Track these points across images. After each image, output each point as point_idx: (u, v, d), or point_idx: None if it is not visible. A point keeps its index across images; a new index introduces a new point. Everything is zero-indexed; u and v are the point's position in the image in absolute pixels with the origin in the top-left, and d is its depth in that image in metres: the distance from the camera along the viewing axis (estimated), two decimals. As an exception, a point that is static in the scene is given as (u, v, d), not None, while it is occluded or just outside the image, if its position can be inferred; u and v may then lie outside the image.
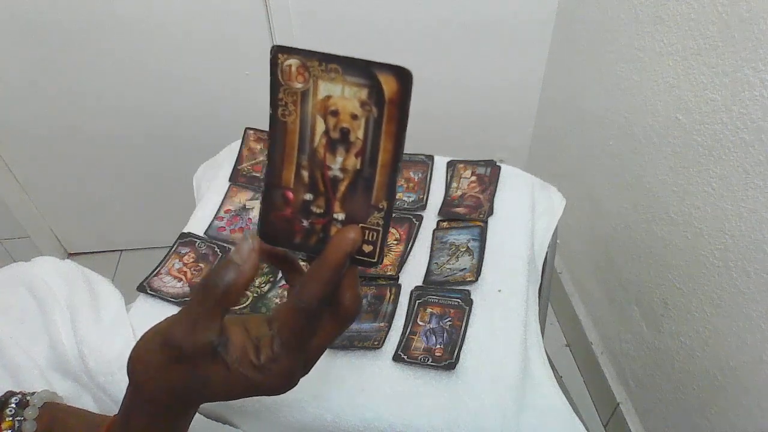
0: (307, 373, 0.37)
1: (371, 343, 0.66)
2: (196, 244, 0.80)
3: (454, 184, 0.88)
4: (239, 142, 0.92)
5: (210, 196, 0.87)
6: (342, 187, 0.33)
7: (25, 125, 1.39)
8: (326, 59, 0.31)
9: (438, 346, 0.66)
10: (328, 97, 0.31)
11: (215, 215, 0.84)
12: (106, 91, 1.34)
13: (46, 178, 1.52)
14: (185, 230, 0.82)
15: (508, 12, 1.29)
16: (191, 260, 0.78)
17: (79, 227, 1.68)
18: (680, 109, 0.92)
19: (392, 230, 0.82)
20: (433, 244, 0.79)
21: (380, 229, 0.34)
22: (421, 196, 0.86)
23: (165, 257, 0.78)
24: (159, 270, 0.76)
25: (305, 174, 0.33)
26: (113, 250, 1.76)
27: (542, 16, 1.31)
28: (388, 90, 0.30)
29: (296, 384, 0.36)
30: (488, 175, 0.88)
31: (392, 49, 1.32)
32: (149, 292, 0.73)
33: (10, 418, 0.46)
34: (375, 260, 0.34)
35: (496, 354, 0.66)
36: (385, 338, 0.67)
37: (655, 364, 1.09)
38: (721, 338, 0.89)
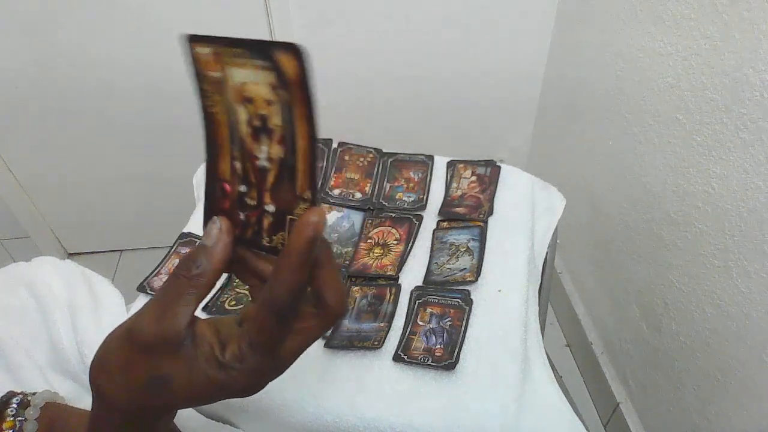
0: (279, 374, 0.34)
1: (371, 343, 0.66)
2: (196, 244, 0.80)
3: (454, 184, 0.88)
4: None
5: (210, 196, 0.87)
6: (270, 178, 0.31)
7: (26, 125, 1.39)
8: (232, 44, 0.29)
9: (438, 346, 0.66)
10: (242, 84, 0.30)
11: (215, 215, 0.84)
12: (106, 91, 1.34)
13: (46, 178, 1.52)
14: (185, 230, 0.82)
15: (508, 12, 1.29)
16: (191, 260, 0.78)
17: (79, 227, 1.68)
18: (680, 109, 0.92)
19: (392, 230, 0.82)
20: (433, 244, 0.79)
21: None
22: (421, 196, 0.86)
23: (165, 257, 0.78)
24: (159, 270, 0.76)
25: (238, 165, 0.32)
26: (113, 250, 1.76)
27: (542, 16, 1.31)
28: (290, 71, 0.28)
29: (264, 386, 0.34)
30: (488, 175, 0.88)
31: (392, 49, 1.32)
32: (149, 292, 0.73)
33: (11, 418, 0.46)
34: None
35: (496, 354, 0.66)
36: (385, 338, 0.67)
37: (655, 364, 1.09)
38: (721, 338, 0.89)
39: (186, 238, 0.80)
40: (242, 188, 0.32)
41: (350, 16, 1.25)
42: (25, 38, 1.23)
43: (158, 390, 0.32)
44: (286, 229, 0.32)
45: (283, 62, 0.28)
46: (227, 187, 0.33)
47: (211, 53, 0.30)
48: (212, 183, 0.33)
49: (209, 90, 0.31)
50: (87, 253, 1.75)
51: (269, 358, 0.32)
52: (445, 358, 0.64)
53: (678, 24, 0.90)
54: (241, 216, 0.33)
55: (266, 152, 0.31)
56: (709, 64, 0.84)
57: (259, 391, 0.33)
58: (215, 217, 0.33)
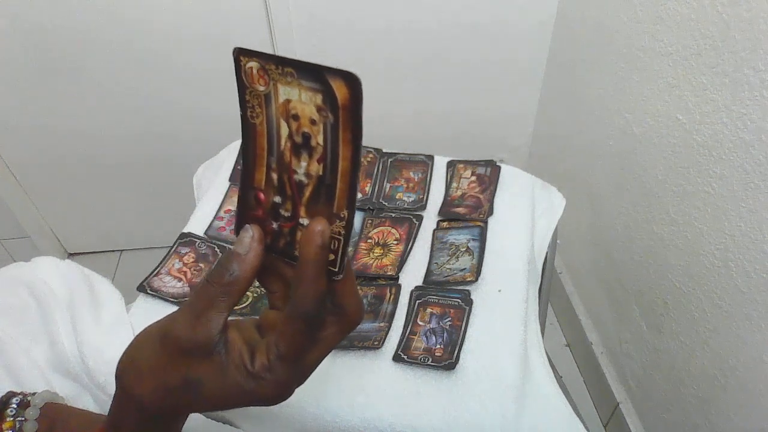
0: (303, 382, 0.35)
1: (371, 343, 0.66)
2: (196, 244, 0.80)
3: (454, 184, 0.88)
4: (239, 141, 0.92)
5: (210, 196, 0.88)
6: (307, 192, 0.33)
7: (26, 125, 1.39)
8: (282, 63, 0.30)
9: (438, 346, 0.66)
10: (288, 101, 0.31)
11: (215, 215, 0.84)
12: (105, 90, 1.34)
13: (46, 178, 1.52)
14: (185, 230, 0.82)
15: (508, 12, 1.29)
16: (191, 260, 0.78)
17: (79, 227, 1.68)
18: (680, 109, 0.92)
19: (392, 230, 0.82)
20: (433, 244, 0.79)
21: (341, 238, 0.32)
22: (421, 196, 0.86)
23: (165, 257, 0.78)
24: (159, 270, 0.76)
25: (274, 176, 0.33)
26: (113, 250, 1.76)
27: (542, 16, 1.31)
28: (341, 96, 0.29)
29: (291, 394, 0.34)
30: (488, 175, 0.88)
31: (392, 49, 1.32)
32: (149, 292, 0.73)
33: (11, 419, 0.46)
34: (336, 270, 0.33)
35: (496, 354, 0.66)
36: (385, 338, 0.67)
37: (655, 364, 1.09)
38: (721, 338, 0.89)
39: (186, 238, 0.80)
40: (277, 199, 0.34)
41: (349, 16, 1.25)
42: (26, 39, 1.23)
43: (189, 393, 0.33)
44: None
45: (335, 87, 0.29)
46: (261, 195, 0.34)
47: (259, 68, 0.31)
48: (246, 190, 0.34)
49: (253, 102, 0.32)
50: (87, 253, 1.75)
51: (295, 367, 0.33)
52: (445, 358, 0.64)
53: (678, 24, 0.90)
54: (274, 225, 0.34)
55: (305, 168, 0.32)
56: (709, 64, 0.84)
57: (284, 401, 0.34)
58: (248, 225, 0.34)
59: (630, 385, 1.20)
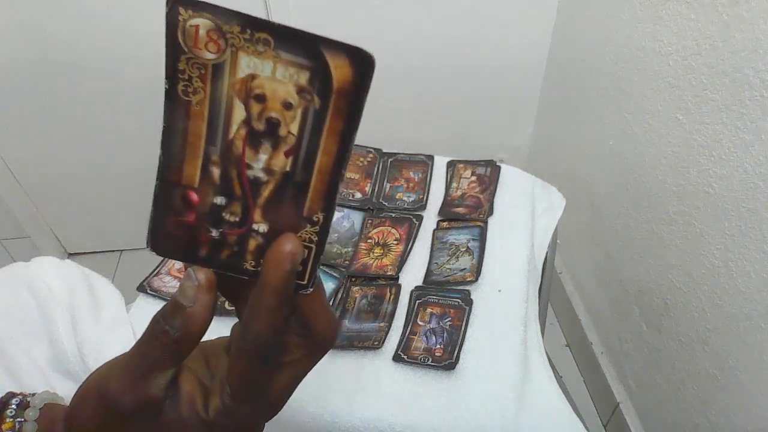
0: (274, 415, 0.31)
1: (371, 343, 0.66)
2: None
3: (454, 184, 0.88)
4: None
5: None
6: (265, 192, 0.26)
7: (26, 125, 1.39)
8: (254, 25, 0.23)
9: (438, 346, 0.66)
10: (253, 77, 0.24)
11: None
12: (105, 90, 1.34)
13: (46, 177, 1.52)
14: (185, 230, 0.82)
15: (508, 12, 1.29)
16: (191, 260, 0.78)
17: (79, 227, 1.68)
18: (680, 109, 0.92)
19: (392, 230, 0.82)
20: (433, 244, 0.79)
21: (312, 246, 0.27)
22: (421, 196, 0.86)
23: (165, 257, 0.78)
24: (159, 270, 0.76)
25: (216, 171, 0.26)
26: (113, 250, 1.76)
27: (542, 16, 1.31)
28: (339, 76, 0.24)
29: (261, 430, 0.31)
30: (488, 175, 0.88)
31: (392, 49, 1.32)
32: (149, 292, 0.73)
33: (11, 419, 0.46)
34: (305, 283, 0.27)
35: (496, 354, 0.66)
36: (385, 338, 0.67)
37: (655, 364, 1.09)
38: (721, 338, 0.89)
39: (186, 238, 0.80)
40: (219, 200, 0.27)
41: (350, 16, 1.25)
42: (26, 38, 1.23)
43: None
44: None
45: (333, 65, 0.24)
46: (193, 196, 0.27)
47: (211, 28, 0.24)
48: (168, 188, 0.27)
49: (191, 72, 0.25)
50: (87, 253, 1.75)
51: (257, 404, 0.29)
52: (445, 358, 0.64)
53: (678, 24, 0.90)
54: (214, 233, 0.27)
55: (264, 162, 0.26)
56: (709, 64, 0.84)
57: None
58: (191, 269, 0.27)
59: (630, 385, 1.20)
